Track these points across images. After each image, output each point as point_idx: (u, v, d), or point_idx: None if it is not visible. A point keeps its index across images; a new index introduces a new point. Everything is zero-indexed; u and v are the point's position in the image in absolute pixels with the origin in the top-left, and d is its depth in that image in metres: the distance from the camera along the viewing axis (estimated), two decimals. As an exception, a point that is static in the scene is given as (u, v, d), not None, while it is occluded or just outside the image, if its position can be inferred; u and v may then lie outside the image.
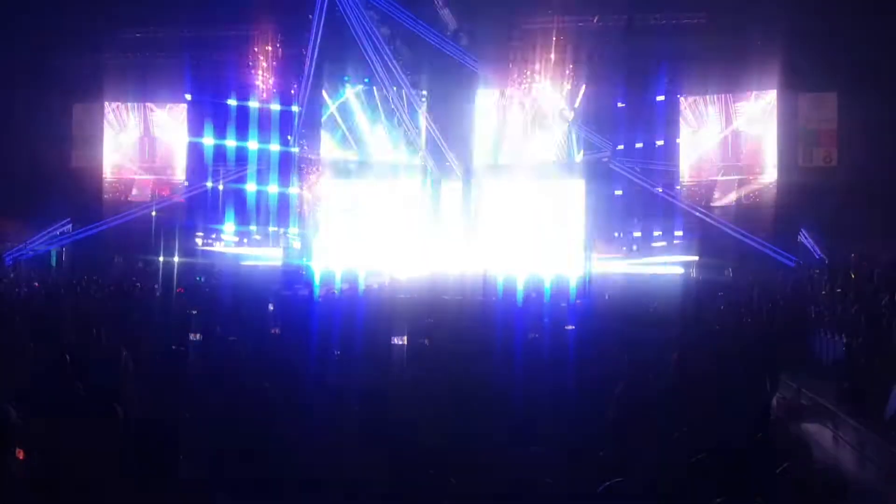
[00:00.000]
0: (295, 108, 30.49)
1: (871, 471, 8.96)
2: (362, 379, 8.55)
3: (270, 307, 17.62)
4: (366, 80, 31.23)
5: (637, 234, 29.15)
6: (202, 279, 26.38)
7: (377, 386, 8.12)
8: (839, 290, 17.41)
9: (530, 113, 30.59)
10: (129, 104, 31.70)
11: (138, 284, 23.52)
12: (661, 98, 28.62)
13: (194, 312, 15.40)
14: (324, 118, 31.28)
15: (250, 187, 30.62)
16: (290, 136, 30.79)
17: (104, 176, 31.58)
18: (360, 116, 31.98)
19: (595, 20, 27.90)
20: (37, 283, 23.44)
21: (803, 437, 8.14)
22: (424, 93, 31.50)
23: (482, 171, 31.83)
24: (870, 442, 9.23)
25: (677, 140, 28.57)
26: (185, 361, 10.10)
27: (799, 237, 25.32)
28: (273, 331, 13.45)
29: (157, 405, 7.34)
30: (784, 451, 6.26)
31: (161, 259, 28.39)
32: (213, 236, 30.63)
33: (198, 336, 11.31)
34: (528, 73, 29.68)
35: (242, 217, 30.42)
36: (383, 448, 6.06)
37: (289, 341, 11.81)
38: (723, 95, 28.01)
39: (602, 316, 16.55)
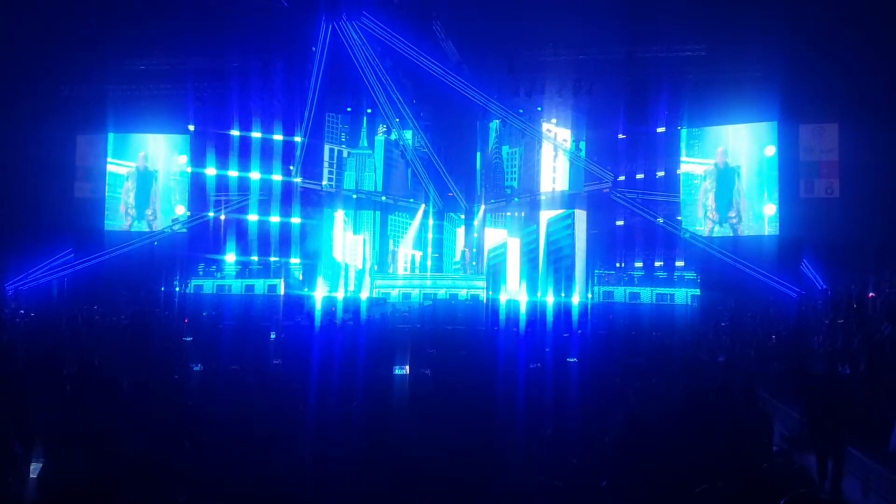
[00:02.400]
0: (297, 139, 30.66)
1: (874, 502, 8.88)
2: (364, 410, 8.51)
3: (272, 336, 17.60)
4: (368, 110, 31.52)
5: (639, 264, 29.19)
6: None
7: (379, 416, 8.08)
8: (841, 321, 17.36)
9: (533, 144, 30.79)
10: (131, 135, 31.74)
11: (141, 316, 23.45)
12: (661, 129, 28.73)
13: (189, 339, 15.41)
14: (326, 149, 31.55)
15: (252, 217, 30.68)
16: (293, 166, 30.94)
17: (106, 207, 31.52)
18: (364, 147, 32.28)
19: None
20: (33, 314, 23.38)
21: (806, 467, 8.07)
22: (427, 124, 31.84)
23: (485, 201, 32.02)
24: (873, 473, 9.16)
25: (678, 171, 28.62)
26: (186, 391, 10.07)
27: (801, 268, 25.30)
28: (275, 361, 13.41)
29: (158, 434, 7.30)
30: (787, 481, 6.21)
31: (163, 289, 28.48)
32: (214, 267, 30.67)
33: (199, 366, 11.28)
34: (531, 104, 29.89)
35: (244, 247, 30.43)
36: (386, 477, 6.02)
37: (290, 372, 11.76)
38: (723, 126, 28.08)
39: (604, 345, 16.51)
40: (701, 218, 28.14)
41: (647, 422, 7.31)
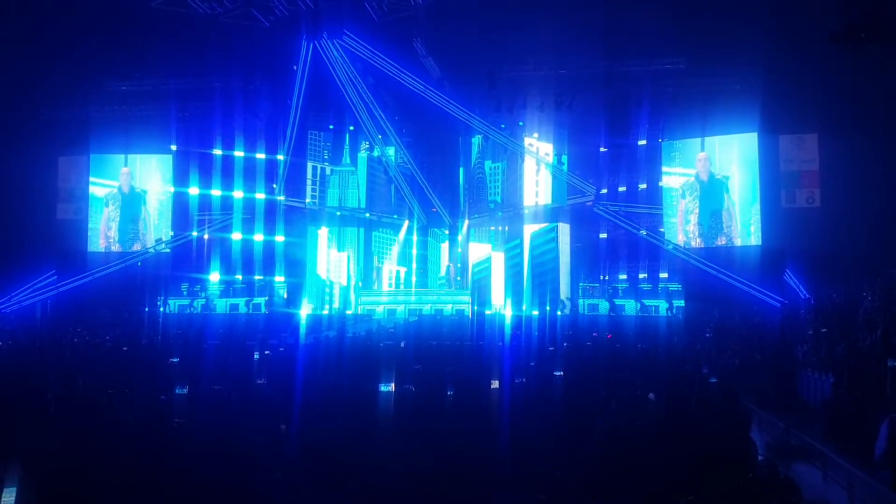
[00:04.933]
0: (280, 157, 30.67)
1: (860, 510, 8.91)
2: (349, 427, 8.47)
3: (256, 356, 17.48)
4: (351, 127, 31.57)
5: (623, 276, 29.28)
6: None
7: (364, 433, 8.05)
8: (824, 330, 17.43)
9: (515, 159, 30.91)
10: (114, 155, 31.60)
11: (129, 341, 23.28)
12: (642, 142, 28.92)
13: (175, 360, 15.31)
14: (308, 167, 31.54)
15: (236, 236, 30.62)
16: (276, 184, 30.92)
17: (89, 228, 31.33)
18: (347, 164, 32.32)
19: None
20: (20, 336, 23.19)
21: (792, 477, 8.10)
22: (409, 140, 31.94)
23: (469, 216, 32.09)
24: (859, 481, 9.19)
25: (660, 183, 28.78)
26: (171, 412, 10.00)
27: (784, 278, 25.42)
28: (259, 381, 13.32)
29: (143, 456, 7.25)
30: (773, 491, 6.23)
31: (147, 310, 28.29)
32: (198, 286, 30.53)
33: (185, 389, 11.19)
34: (512, 119, 30.06)
35: (228, 266, 30.35)
36: (370, 497, 6.00)
37: (275, 390, 11.70)
38: (703, 138, 28.25)
39: (588, 358, 16.50)
40: (683, 229, 28.28)
41: (630, 434, 7.32)
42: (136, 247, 31.06)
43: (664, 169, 28.70)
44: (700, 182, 28.11)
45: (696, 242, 28.12)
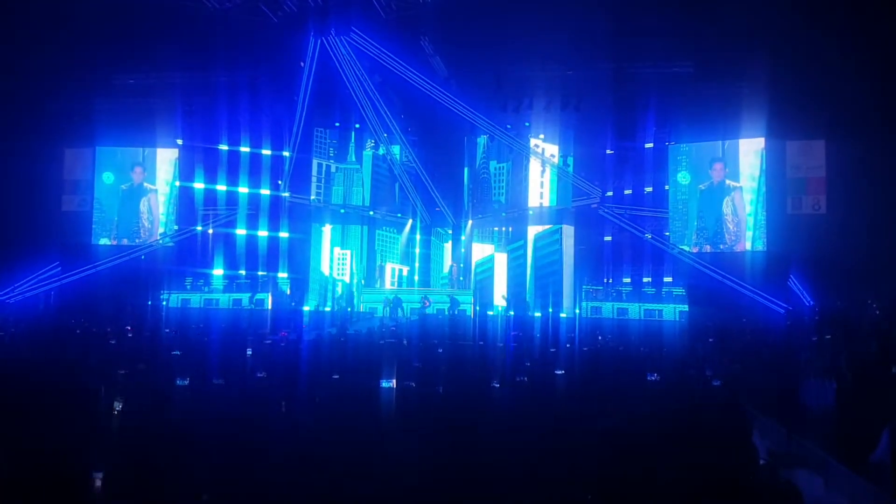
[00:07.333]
0: (286, 154, 30.68)
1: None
2: (348, 424, 8.45)
3: (251, 351, 17.49)
4: (356, 125, 31.54)
5: (627, 279, 29.23)
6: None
7: (363, 431, 8.03)
8: (828, 337, 17.39)
9: (520, 159, 30.86)
10: (119, 148, 31.62)
11: (128, 328, 23.27)
12: (649, 145, 28.88)
13: (177, 353, 15.33)
14: (314, 163, 31.53)
15: (240, 232, 30.65)
16: (281, 180, 30.94)
17: (94, 220, 31.34)
18: (352, 162, 32.30)
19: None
20: (22, 327, 23.16)
21: (794, 483, 8.06)
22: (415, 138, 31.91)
23: (472, 216, 32.03)
24: (861, 488, 9.14)
25: (666, 187, 28.73)
26: (170, 405, 9.98)
27: (789, 284, 25.38)
28: (259, 374, 13.32)
29: (143, 448, 7.23)
30: (775, 496, 6.18)
31: (149, 303, 28.30)
32: (202, 281, 30.57)
33: (185, 381, 11.20)
34: (518, 120, 30.02)
35: (232, 261, 30.39)
36: (368, 496, 5.97)
37: (275, 385, 11.69)
38: (710, 143, 28.19)
39: (590, 360, 16.48)
40: (689, 234, 28.22)
41: (630, 436, 7.28)
42: (143, 239, 31.08)
43: (670, 172, 28.64)
44: (706, 187, 28.05)
45: (701, 248, 28.03)
